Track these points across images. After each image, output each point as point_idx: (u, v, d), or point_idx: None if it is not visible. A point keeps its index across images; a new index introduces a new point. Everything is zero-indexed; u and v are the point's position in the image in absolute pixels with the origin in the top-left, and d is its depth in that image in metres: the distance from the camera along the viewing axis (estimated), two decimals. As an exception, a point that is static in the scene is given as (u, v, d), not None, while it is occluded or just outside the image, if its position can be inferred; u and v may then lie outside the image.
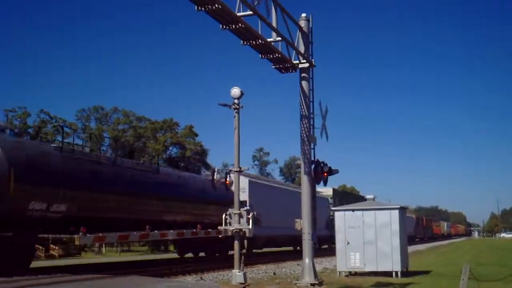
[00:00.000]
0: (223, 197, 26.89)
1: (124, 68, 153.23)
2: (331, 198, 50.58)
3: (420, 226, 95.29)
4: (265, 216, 30.97)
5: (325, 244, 48.20)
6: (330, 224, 43.12)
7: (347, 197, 51.86)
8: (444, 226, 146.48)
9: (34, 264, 23.64)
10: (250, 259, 27.11)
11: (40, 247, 32.09)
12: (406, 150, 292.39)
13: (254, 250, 38.64)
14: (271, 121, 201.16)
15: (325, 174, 17.52)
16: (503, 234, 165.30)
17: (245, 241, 29.27)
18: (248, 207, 25.14)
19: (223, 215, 16.87)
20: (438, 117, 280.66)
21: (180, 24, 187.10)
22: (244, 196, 31.44)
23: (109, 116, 78.44)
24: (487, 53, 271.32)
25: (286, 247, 46.56)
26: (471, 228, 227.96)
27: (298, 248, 37.59)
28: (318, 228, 38.68)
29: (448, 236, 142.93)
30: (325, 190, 51.32)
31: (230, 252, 29.44)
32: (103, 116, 78.40)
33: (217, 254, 32.91)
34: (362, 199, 59.57)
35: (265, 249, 42.56)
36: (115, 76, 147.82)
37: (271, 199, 37.75)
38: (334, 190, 53.86)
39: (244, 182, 32.79)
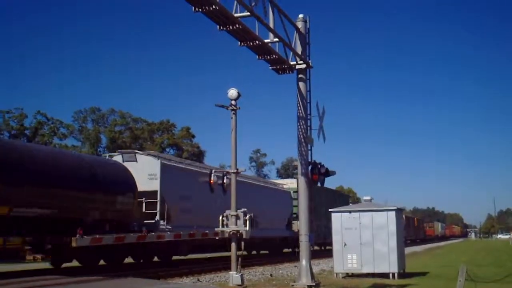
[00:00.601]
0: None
1: (121, 70, 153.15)
2: (295, 191, 38.05)
3: (410, 227, 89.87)
4: (186, 212, 26.28)
5: (286, 247, 41.44)
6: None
7: (320, 191, 41.68)
8: (438, 227, 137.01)
9: (28, 266, 23.64)
10: (247, 261, 26.95)
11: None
12: (403, 152, 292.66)
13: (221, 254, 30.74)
14: (268, 122, 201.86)
15: (322, 175, 17.51)
16: (499, 235, 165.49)
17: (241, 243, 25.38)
18: (159, 200, 23.88)
19: (220, 217, 16.84)
20: (436, 118, 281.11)
21: (177, 25, 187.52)
22: (155, 185, 24.66)
23: (105, 117, 78.50)
24: (485, 52, 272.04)
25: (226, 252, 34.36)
26: (468, 229, 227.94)
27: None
28: (275, 228, 36.72)
29: (442, 238, 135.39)
30: (288, 182, 43.39)
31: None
32: (99, 118, 78.41)
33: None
34: (340, 195, 55.53)
35: (198, 255, 33.23)
36: (112, 77, 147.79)
37: (198, 190, 26.61)
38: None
39: (154, 165, 25.05)
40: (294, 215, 38.62)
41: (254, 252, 38.67)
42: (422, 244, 77.02)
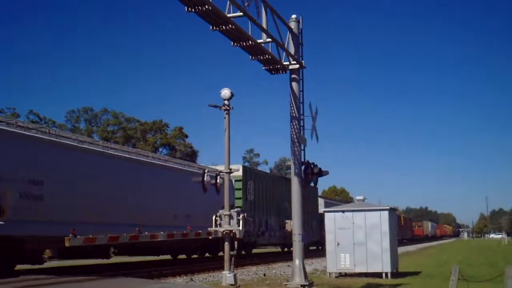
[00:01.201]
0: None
1: (114, 70, 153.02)
2: (237, 180, 32.08)
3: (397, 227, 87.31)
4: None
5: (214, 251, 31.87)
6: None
7: (267, 180, 36.91)
8: (428, 226, 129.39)
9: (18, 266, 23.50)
10: (240, 260, 26.99)
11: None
12: (396, 152, 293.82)
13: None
14: (261, 122, 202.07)
15: (315, 175, 17.53)
16: (492, 235, 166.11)
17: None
18: None
19: (213, 217, 16.83)
20: (431, 118, 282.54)
21: (170, 25, 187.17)
22: None
23: (98, 117, 78.40)
24: (474, 49, 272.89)
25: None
26: (460, 229, 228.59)
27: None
28: (199, 226, 23.48)
29: (433, 238, 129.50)
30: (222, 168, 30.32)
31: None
32: (92, 117, 78.31)
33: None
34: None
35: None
36: (104, 77, 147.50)
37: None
38: (245, 168, 35.30)
39: None
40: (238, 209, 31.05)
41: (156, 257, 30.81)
42: (413, 244, 77.15)
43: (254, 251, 39.18)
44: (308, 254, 33.60)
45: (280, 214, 37.80)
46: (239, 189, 32.47)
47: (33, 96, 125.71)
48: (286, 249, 41.12)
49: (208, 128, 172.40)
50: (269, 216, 36.57)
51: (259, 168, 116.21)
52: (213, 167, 30.46)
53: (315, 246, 50.10)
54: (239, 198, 32.29)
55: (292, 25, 17.29)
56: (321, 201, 52.61)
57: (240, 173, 32.22)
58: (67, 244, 16.82)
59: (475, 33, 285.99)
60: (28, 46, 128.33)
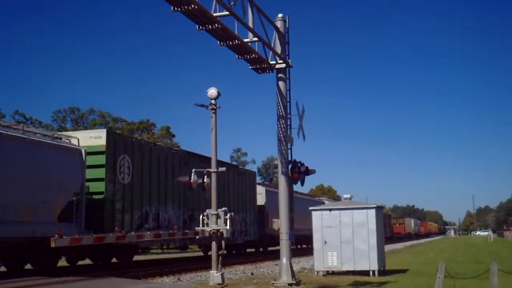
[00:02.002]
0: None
1: (100, 69, 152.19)
2: (96, 153, 21.83)
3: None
4: None
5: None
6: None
7: (160, 155, 26.00)
8: (411, 224, 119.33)
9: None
10: (228, 260, 26.95)
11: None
12: (384, 150, 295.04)
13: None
14: (249, 122, 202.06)
15: (302, 173, 17.58)
16: (478, 232, 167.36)
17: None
18: None
19: (200, 216, 16.80)
20: (417, 116, 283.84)
21: (156, 25, 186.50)
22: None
23: (85, 117, 77.88)
24: (463, 43, 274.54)
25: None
26: (446, 227, 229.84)
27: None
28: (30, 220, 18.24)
29: (418, 236, 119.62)
30: (76, 134, 21.93)
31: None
32: (79, 117, 77.79)
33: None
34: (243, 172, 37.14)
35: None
36: (91, 77, 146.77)
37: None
38: (113, 136, 23.08)
39: None
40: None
41: None
42: (400, 242, 77.46)
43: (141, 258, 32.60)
44: (296, 252, 33.60)
45: (187, 204, 27.74)
46: (101, 166, 21.83)
47: (19, 96, 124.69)
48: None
49: (195, 127, 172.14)
50: (162, 206, 25.79)
51: (246, 167, 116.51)
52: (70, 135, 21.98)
53: (254, 247, 41.34)
54: (100, 180, 21.74)
55: (279, 24, 17.34)
56: (261, 190, 39.80)
57: (102, 142, 22.08)
58: (52, 245, 16.69)
59: (449, 24, 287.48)
60: (13, 45, 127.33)
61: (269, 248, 41.82)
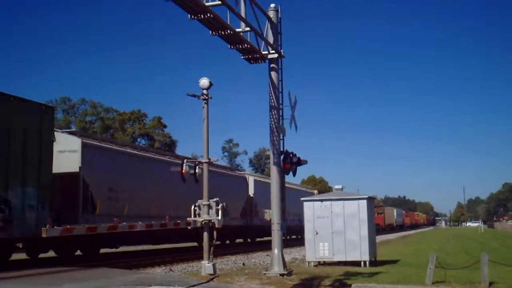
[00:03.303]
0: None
1: (91, 60, 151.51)
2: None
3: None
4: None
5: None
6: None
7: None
8: (393, 214, 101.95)
9: None
10: (219, 250, 26.87)
11: None
12: (376, 141, 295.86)
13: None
14: (241, 112, 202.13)
15: (294, 164, 17.58)
16: (468, 223, 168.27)
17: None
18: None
19: (192, 206, 16.77)
20: (408, 107, 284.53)
21: (148, 14, 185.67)
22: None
23: (76, 107, 77.77)
24: (456, 36, 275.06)
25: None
26: (436, 218, 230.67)
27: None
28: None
29: (400, 229, 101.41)
30: None
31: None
32: (70, 108, 77.56)
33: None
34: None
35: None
36: (82, 67, 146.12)
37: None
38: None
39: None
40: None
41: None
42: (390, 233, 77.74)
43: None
44: (287, 243, 33.55)
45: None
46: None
47: (9, 86, 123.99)
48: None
49: (187, 118, 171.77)
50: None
51: (238, 158, 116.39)
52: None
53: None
54: None
55: (271, 14, 17.27)
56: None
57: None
58: (44, 235, 16.55)
59: (438, 12, 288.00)
60: (3, 33, 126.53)
61: (257, 239, 41.69)
